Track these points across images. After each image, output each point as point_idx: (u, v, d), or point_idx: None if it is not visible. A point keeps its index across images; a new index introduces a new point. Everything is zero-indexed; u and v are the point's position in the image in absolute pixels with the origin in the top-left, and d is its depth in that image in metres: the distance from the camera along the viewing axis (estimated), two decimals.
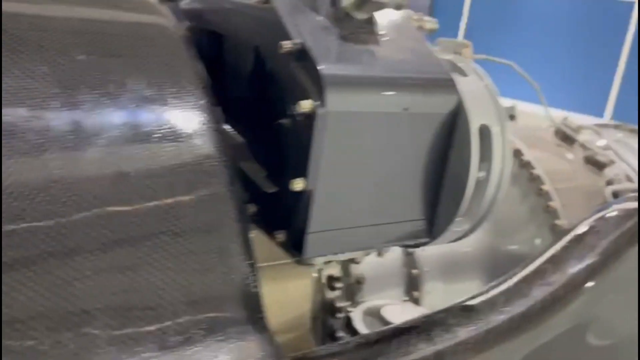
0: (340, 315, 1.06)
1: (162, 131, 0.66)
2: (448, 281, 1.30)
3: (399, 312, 0.95)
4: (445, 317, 0.78)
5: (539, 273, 0.82)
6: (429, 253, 1.26)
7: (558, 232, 1.32)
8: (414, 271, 1.24)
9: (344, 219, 0.74)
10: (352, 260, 1.08)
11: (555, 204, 1.33)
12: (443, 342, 0.74)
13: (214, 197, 0.67)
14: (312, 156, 0.68)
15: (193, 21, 0.92)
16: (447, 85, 0.76)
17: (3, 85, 0.60)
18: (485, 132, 0.77)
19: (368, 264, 1.12)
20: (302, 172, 0.70)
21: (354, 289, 1.12)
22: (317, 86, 0.67)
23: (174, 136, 0.67)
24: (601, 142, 1.59)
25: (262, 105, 0.80)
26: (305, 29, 0.71)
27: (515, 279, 0.83)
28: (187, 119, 0.68)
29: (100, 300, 0.58)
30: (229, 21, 0.85)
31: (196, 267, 0.64)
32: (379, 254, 0.85)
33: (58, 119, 0.61)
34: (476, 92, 0.79)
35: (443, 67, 0.78)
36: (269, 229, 0.77)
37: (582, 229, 0.90)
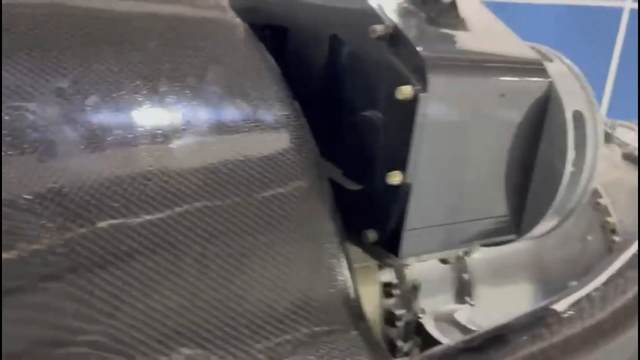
0: (400, 323, 1.01)
1: (249, 124, 0.62)
2: (498, 284, 1.25)
3: (476, 316, 0.90)
4: (543, 316, 0.73)
5: (633, 266, 0.78)
6: (478, 256, 1.21)
7: (610, 230, 1.29)
8: (465, 275, 1.19)
9: (441, 215, 0.69)
10: (407, 265, 1.03)
11: (604, 200, 1.29)
12: (546, 340, 0.70)
13: (306, 192, 0.63)
14: (412, 146, 0.63)
15: (243, 17, 0.87)
16: (539, 69, 0.72)
17: (86, 79, 0.55)
18: (578, 119, 0.73)
19: (416, 270, 1.07)
20: (399, 165, 0.65)
21: (409, 295, 1.07)
22: (417, 70, 0.62)
23: (261, 129, 0.63)
24: (634, 138, 1.56)
25: (338, 98, 0.74)
26: (393, 13, 0.67)
27: (607, 274, 0.78)
28: (271, 112, 0.64)
29: (203, 306, 0.53)
30: (297, 12, 0.80)
31: (296, 268, 0.59)
32: (467, 253, 0.80)
33: (146, 113, 0.56)
34: (565, 76, 0.75)
35: (531, 51, 0.74)
36: (354, 229, 0.72)
37: None
